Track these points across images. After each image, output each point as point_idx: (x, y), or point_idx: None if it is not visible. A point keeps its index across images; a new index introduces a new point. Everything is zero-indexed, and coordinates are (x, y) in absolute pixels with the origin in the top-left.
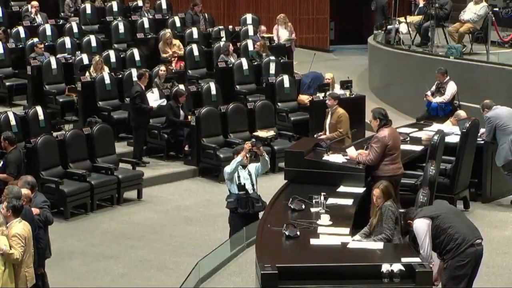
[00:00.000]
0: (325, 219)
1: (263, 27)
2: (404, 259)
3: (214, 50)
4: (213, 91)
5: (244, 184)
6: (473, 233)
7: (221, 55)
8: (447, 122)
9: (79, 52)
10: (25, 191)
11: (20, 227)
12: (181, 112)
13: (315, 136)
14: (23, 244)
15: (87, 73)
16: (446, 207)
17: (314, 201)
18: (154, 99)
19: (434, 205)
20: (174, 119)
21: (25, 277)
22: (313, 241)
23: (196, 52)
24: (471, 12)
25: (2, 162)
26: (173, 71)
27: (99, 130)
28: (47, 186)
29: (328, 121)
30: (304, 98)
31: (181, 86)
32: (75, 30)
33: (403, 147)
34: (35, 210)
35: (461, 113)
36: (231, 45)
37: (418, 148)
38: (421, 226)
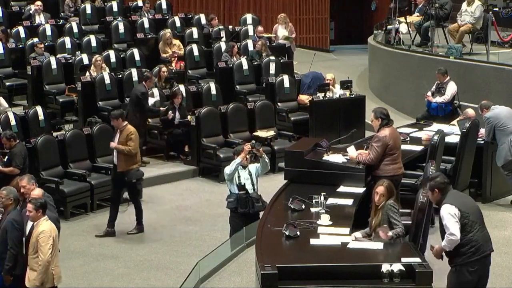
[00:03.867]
0: (325, 219)
1: (260, 28)
2: (404, 259)
3: (214, 50)
4: (213, 91)
5: (244, 184)
6: (488, 245)
7: (224, 53)
8: (453, 122)
9: (79, 52)
10: (39, 191)
11: (48, 225)
12: (177, 114)
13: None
14: (51, 243)
15: (87, 73)
16: (475, 208)
17: (314, 201)
18: (153, 99)
19: (464, 198)
20: (163, 117)
21: (52, 275)
22: (313, 241)
23: (196, 52)
24: (467, 14)
25: (7, 158)
26: (173, 71)
27: (99, 130)
28: (47, 186)
29: (116, 139)
30: (304, 98)
31: (181, 86)
32: (75, 30)
33: (403, 147)
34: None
35: (469, 111)
36: (235, 45)
37: (418, 148)
38: (452, 211)
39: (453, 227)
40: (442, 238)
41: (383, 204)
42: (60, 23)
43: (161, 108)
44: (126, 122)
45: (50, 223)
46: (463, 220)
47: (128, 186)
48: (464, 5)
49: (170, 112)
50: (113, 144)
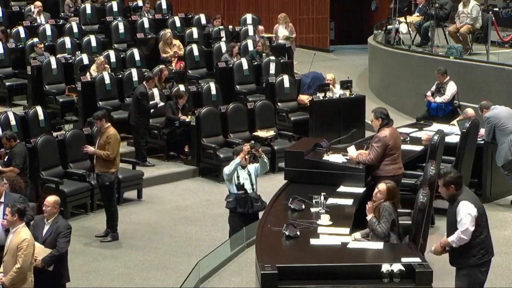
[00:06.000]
0: (325, 219)
1: (260, 27)
2: (404, 259)
3: (214, 50)
4: (213, 91)
5: (243, 184)
6: (492, 248)
7: (224, 54)
8: (453, 122)
9: (79, 52)
10: (56, 197)
11: (28, 232)
12: (180, 114)
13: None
14: (32, 250)
15: (87, 73)
16: (484, 210)
17: (314, 201)
18: (159, 104)
19: (478, 202)
20: (171, 116)
21: (31, 282)
22: (313, 241)
23: (196, 52)
24: (464, 15)
25: (7, 157)
26: (173, 71)
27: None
28: (47, 186)
29: (98, 141)
30: (304, 98)
31: (181, 86)
32: (75, 30)
33: (403, 147)
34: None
35: (469, 110)
36: (236, 46)
37: (418, 148)
38: (472, 211)
39: (469, 227)
40: (450, 233)
41: (380, 203)
42: (60, 23)
43: (158, 102)
44: (108, 124)
45: (29, 231)
46: (478, 221)
47: (99, 189)
48: (460, 7)
49: (157, 100)
50: (90, 150)
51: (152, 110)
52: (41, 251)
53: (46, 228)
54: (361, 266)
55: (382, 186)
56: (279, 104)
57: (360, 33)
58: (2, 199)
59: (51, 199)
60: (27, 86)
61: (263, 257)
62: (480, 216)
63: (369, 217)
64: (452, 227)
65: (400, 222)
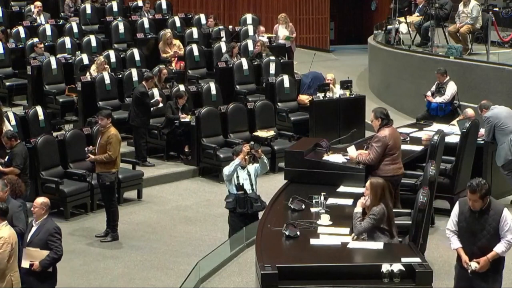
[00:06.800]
0: (325, 219)
1: (261, 28)
2: (404, 259)
3: (214, 50)
4: (213, 91)
5: (243, 184)
6: None
7: (224, 54)
8: (453, 122)
9: (79, 52)
10: (44, 199)
11: (7, 231)
12: (180, 114)
13: (86, 149)
14: (9, 249)
15: (87, 73)
16: None
17: (314, 201)
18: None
19: None
20: (171, 116)
21: (11, 282)
22: (313, 241)
23: (196, 52)
24: (464, 15)
25: (7, 157)
26: (173, 71)
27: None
28: (47, 186)
29: (98, 141)
30: (304, 98)
31: (181, 86)
32: (75, 30)
33: (403, 147)
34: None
35: (469, 111)
36: (236, 47)
37: (418, 148)
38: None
39: None
40: (491, 242)
41: (371, 207)
42: (60, 23)
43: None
44: (110, 124)
45: (10, 229)
46: None
47: (100, 189)
48: (460, 6)
49: (159, 98)
50: (92, 158)
51: (153, 108)
52: (38, 255)
53: (33, 229)
54: (361, 266)
55: (367, 183)
56: (279, 104)
57: (360, 33)
58: None
59: (39, 200)
60: (27, 86)
61: (263, 257)
62: None
63: (357, 209)
64: (493, 236)
65: (400, 222)
